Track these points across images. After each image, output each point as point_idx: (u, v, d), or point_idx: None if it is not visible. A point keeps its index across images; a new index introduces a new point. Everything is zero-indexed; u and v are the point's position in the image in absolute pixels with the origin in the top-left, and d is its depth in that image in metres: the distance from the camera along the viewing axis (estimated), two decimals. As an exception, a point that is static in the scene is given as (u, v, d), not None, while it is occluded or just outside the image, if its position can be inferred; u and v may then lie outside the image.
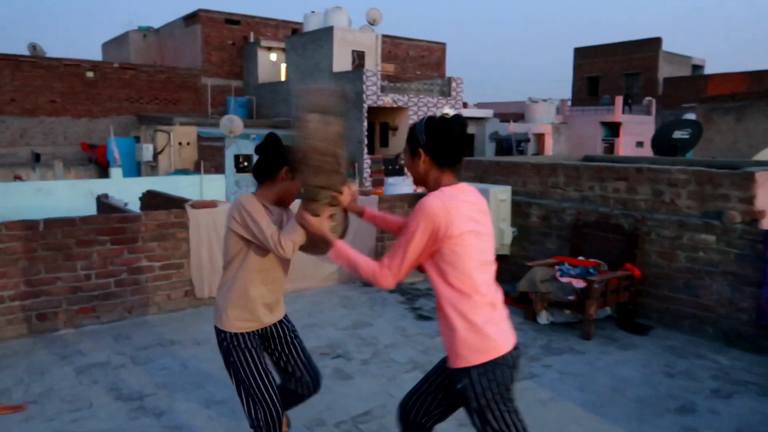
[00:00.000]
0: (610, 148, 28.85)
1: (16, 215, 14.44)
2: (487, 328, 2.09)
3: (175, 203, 9.34)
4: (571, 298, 4.98)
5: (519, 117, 29.89)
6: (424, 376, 2.43)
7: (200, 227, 5.53)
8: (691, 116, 26.97)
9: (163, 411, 3.62)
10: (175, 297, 5.51)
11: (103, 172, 20.62)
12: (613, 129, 29.17)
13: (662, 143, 8.98)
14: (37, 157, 19.88)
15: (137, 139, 20.87)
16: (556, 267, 5.39)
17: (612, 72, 38.48)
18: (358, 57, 22.73)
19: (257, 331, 2.65)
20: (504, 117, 29.90)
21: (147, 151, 19.00)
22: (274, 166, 2.55)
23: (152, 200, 10.59)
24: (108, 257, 5.10)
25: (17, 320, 4.75)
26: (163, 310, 5.44)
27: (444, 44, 33.96)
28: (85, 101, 22.15)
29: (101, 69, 22.70)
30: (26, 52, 23.08)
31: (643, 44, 37.21)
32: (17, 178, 17.62)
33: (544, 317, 5.25)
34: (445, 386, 2.28)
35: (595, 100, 36.73)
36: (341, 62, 22.05)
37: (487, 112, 28.94)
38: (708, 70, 40.11)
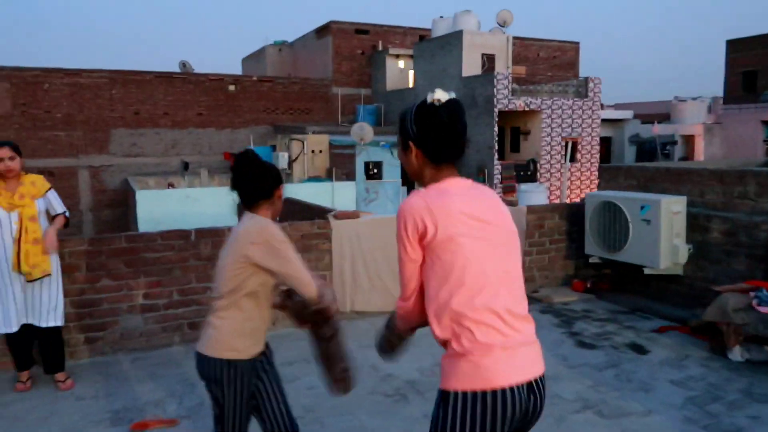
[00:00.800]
0: (773, 150, 25.62)
1: (169, 220, 15.58)
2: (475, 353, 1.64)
3: (313, 211, 9.42)
4: (776, 332, 4.13)
5: (663, 117, 27.51)
6: None
7: (342, 239, 5.34)
8: None
9: (313, 439, 3.39)
10: (317, 310, 5.35)
11: (243, 179, 21.74)
12: (776, 129, 25.86)
13: None
14: (186, 166, 21.43)
15: (273, 148, 21.81)
16: (752, 294, 4.53)
17: (773, 65, 34.28)
18: (488, 60, 22.08)
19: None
20: (646, 118, 27.65)
21: (282, 159, 19.75)
22: (270, 183, 2.41)
23: (290, 207, 10.82)
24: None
25: (170, 328, 4.82)
26: (306, 323, 5.30)
27: (577, 43, 32.21)
28: (227, 113, 23.58)
29: (241, 82, 24.06)
30: (177, 69, 25.08)
31: (814, 32, 32.71)
32: (170, 185, 19.08)
33: (737, 353, 4.41)
34: None
35: (752, 96, 32.90)
36: (470, 66, 21.54)
37: (626, 114, 26.94)
38: None
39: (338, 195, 17.35)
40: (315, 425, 3.55)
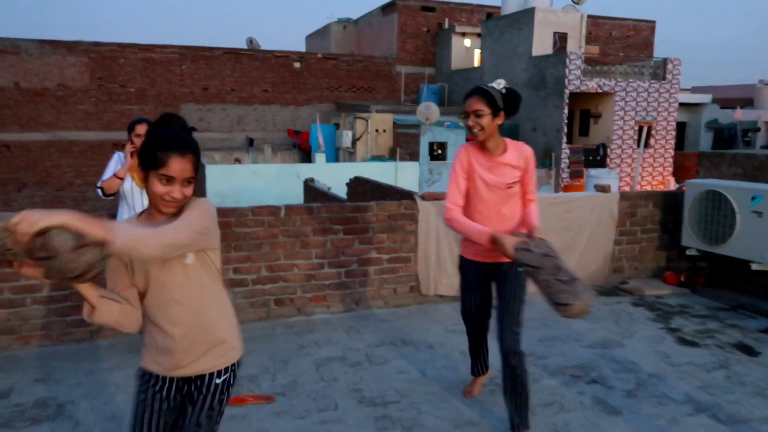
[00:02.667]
0: None
1: (236, 195, 15.85)
2: None
3: (383, 190, 9.32)
4: None
5: (746, 102, 25.93)
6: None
7: (429, 220, 5.20)
8: None
9: (411, 425, 3.30)
10: (401, 292, 5.27)
11: (305, 156, 21.96)
12: None
13: None
14: (251, 142, 21.77)
15: (336, 126, 21.83)
16: None
17: None
18: (560, 39, 21.28)
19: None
20: (726, 103, 26.13)
21: (346, 138, 19.76)
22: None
23: (359, 187, 10.75)
24: (340, 247, 5.00)
25: (258, 304, 4.84)
26: (389, 304, 5.23)
27: (653, 22, 30.65)
28: (291, 90, 23.74)
29: (306, 60, 24.14)
30: (244, 46, 25.38)
31: None
32: (237, 161, 19.42)
33: None
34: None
35: None
36: (541, 45, 20.82)
37: (704, 97, 25.51)
38: None
39: (402, 175, 17.24)
40: (411, 411, 3.46)
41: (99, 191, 4.01)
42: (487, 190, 3.05)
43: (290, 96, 23.84)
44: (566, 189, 19.24)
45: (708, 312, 5.31)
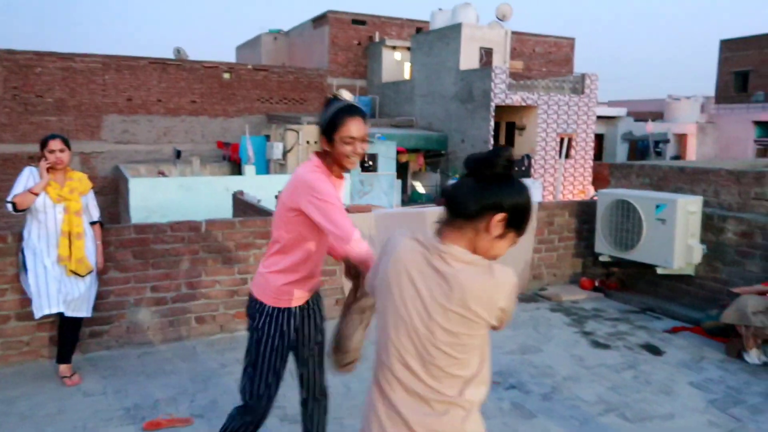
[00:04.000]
0: (763, 150, 25.77)
1: (162, 209, 15.31)
2: None
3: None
4: (797, 336, 4.09)
5: (657, 116, 27.59)
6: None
7: (354, 233, 5.23)
8: None
9: (334, 440, 3.29)
10: (327, 305, 5.23)
11: (236, 169, 21.54)
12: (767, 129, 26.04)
13: None
14: (178, 154, 21.14)
15: (267, 138, 21.57)
16: (769, 296, 4.49)
17: (765, 66, 34.51)
18: (486, 54, 21.98)
19: None
20: (639, 116, 27.73)
21: (277, 150, 19.55)
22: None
23: (289, 199, 10.68)
24: (264, 261, 4.93)
25: (178, 322, 4.70)
26: (315, 318, 5.20)
27: (573, 39, 32.21)
28: (221, 101, 23.28)
29: (236, 71, 23.76)
30: (171, 56, 24.70)
31: (806, 34, 32.99)
32: (161, 173, 18.81)
33: (755, 356, 4.38)
34: None
35: (743, 97, 33.14)
36: (469, 60, 21.42)
37: (619, 111, 26.97)
38: None
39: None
40: (335, 425, 3.45)
41: (9, 206, 3.80)
42: None
43: (219, 107, 23.38)
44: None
45: (619, 315, 5.60)
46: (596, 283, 6.32)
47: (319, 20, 26.64)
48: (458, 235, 1.47)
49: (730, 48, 36.43)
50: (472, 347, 1.49)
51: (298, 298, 2.46)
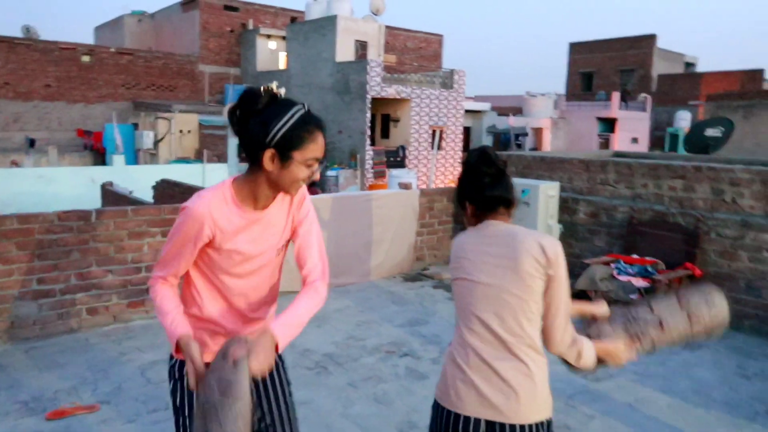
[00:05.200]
0: (605, 143, 28.99)
1: (18, 203, 14.09)
2: None
3: (195, 192, 9.14)
4: (633, 297, 4.92)
5: (517, 111, 29.89)
6: None
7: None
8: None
9: (245, 412, 3.48)
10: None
11: (100, 159, 20.19)
12: (608, 125, 29.30)
13: (695, 141, 8.97)
14: (31, 143, 19.39)
15: (135, 126, 20.44)
16: (612, 265, 5.33)
17: (606, 67, 38.64)
18: (361, 47, 22.48)
19: None
20: (502, 110, 29.87)
21: (147, 139, 18.63)
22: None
23: (168, 190, 10.35)
24: (158, 249, 4.92)
25: (68, 315, 4.56)
26: (211, 304, 5.27)
27: (441, 36, 33.81)
28: (80, 86, 21.63)
29: (97, 54, 22.18)
30: (20, 35, 22.46)
31: (638, 41, 37.41)
32: (14, 163, 17.18)
33: (602, 316, 5.18)
34: None
35: (589, 95, 36.88)
36: (344, 52, 21.78)
37: (484, 105, 28.88)
38: (700, 68, 40.49)
39: (210, 177, 16.79)
40: (244, 400, 3.63)
41: None
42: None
43: (79, 93, 21.71)
44: (371, 188, 20.42)
45: (493, 289, 6.26)
46: (471, 262, 6.97)
47: (189, 4, 25.57)
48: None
49: (577, 50, 40.30)
50: None
51: None
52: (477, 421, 1.75)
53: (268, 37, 25.62)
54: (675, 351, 4.61)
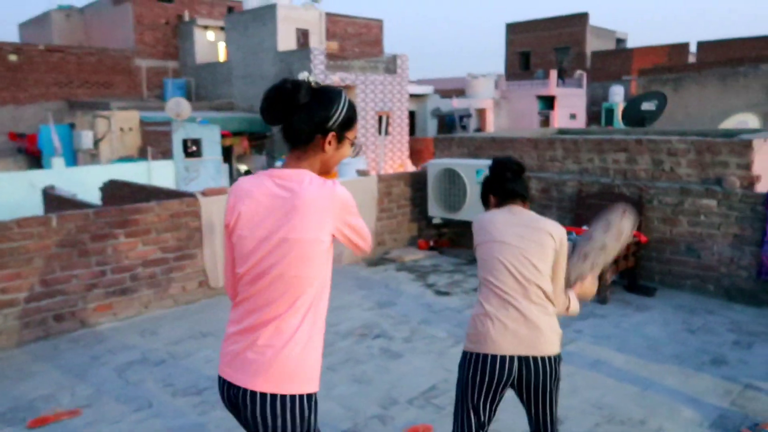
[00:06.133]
0: (545, 121, 29.84)
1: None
2: None
3: (147, 192, 8.97)
4: (587, 265, 5.22)
5: (459, 93, 30.33)
6: None
7: (212, 215, 5.37)
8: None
9: (230, 403, 3.56)
10: (190, 288, 5.35)
11: (35, 162, 19.34)
12: (548, 103, 30.15)
13: (632, 115, 9.46)
14: (-41, 149, 18.36)
15: (72, 126, 19.65)
16: (565, 237, 5.63)
17: (542, 46, 39.62)
18: (303, 35, 22.29)
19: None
20: (444, 93, 30.24)
21: (86, 139, 17.95)
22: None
23: (117, 191, 10.09)
24: (123, 251, 4.88)
25: (34, 323, 4.49)
26: (179, 302, 5.28)
27: (381, 21, 33.79)
28: (9, 87, 20.59)
29: (25, 52, 21.13)
30: (-64, 35, 21.13)
31: (571, 19, 38.50)
32: (-57, 172, 16.25)
33: (559, 286, 5.49)
34: None
35: (527, 74, 37.77)
36: (285, 41, 21.55)
37: (427, 89, 29.16)
38: (630, 44, 42.09)
39: (156, 175, 16.41)
40: (227, 392, 3.71)
41: None
42: None
43: (7, 94, 20.66)
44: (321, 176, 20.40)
45: (453, 268, 6.50)
46: (431, 243, 7.18)
47: (119, -4, 24.64)
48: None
49: (514, 30, 41.12)
50: None
51: None
52: (512, 358, 2.15)
53: (206, 28, 25.02)
54: (627, 314, 4.96)
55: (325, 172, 1.77)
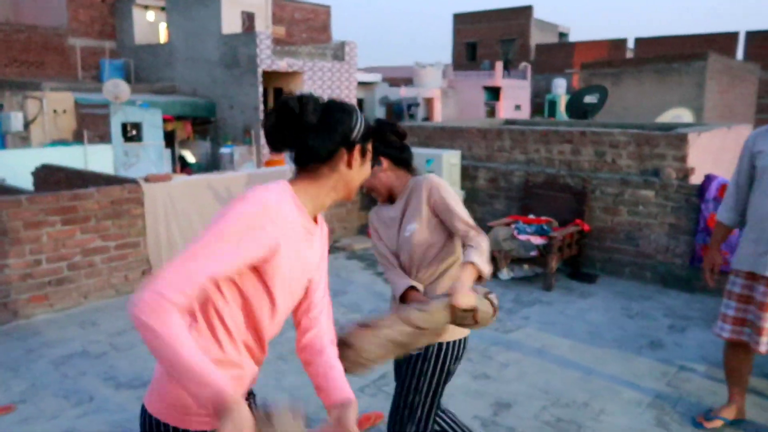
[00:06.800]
0: (491, 111, 30.35)
1: None
2: None
3: (84, 177, 8.57)
4: (533, 253, 5.36)
5: (408, 82, 30.41)
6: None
7: (156, 202, 5.19)
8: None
9: (177, 395, 3.46)
10: (133, 278, 5.16)
11: (-42, 144, 18.17)
12: (493, 93, 30.66)
13: (575, 107, 9.73)
14: None
15: (0, 107, 18.55)
16: (512, 226, 5.75)
17: (489, 38, 40.21)
18: (248, 19, 21.75)
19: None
20: (393, 81, 30.25)
21: (16, 121, 16.97)
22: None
23: (51, 176, 9.60)
24: (59, 239, 4.65)
25: (-39, 315, 4.22)
26: (121, 292, 5.08)
27: (329, 7, 33.39)
28: (-73, 63, 19.20)
29: (-55, 26, 19.73)
30: None
31: (516, 12, 39.20)
32: None
33: (506, 273, 5.61)
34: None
35: (473, 65, 38.29)
36: (230, 24, 20.96)
37: (375, 77, 29.08)
38: (572, 38, 43.29)
39: (92, 160, 15.71)
40: (173, 384, 3.61)
41: None
42: None
43: (-74, 71, 19.27)
44: (268, 164, 20.06)
45: (403, 256, 6.53)
46: (380, 232, 7.18)
47: (51, -29, 23.30)
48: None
49: (461, 21, 41.52)
50: None
51: None
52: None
53: (146, 8, 24.03)
54: (571, 300, 5.12)
55: (348, 195, 1.55)
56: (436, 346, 2.13)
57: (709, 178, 5.08)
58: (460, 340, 2.20)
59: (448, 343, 2.16)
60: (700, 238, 5.14)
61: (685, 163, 5.33)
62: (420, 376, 2.16)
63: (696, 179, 5.34)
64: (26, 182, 10.10)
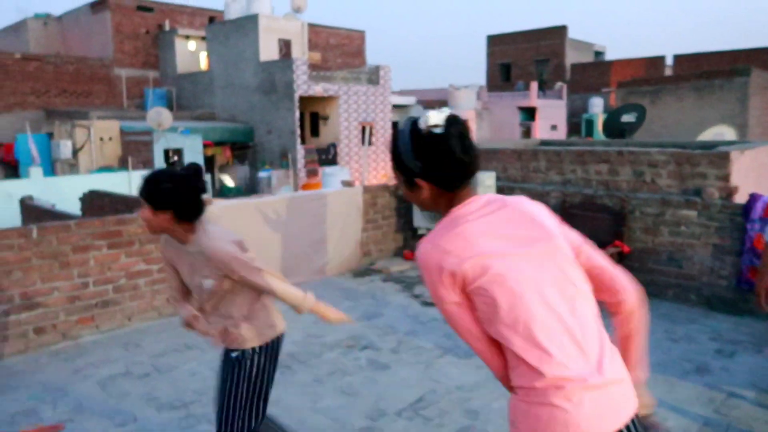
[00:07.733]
0: (527, 132, 30.18)
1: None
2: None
3: (128, 203, 8.86)
4: (571, 275, 5.27)
5: (442, 104, 30.54)
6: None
7: (197, 226, 5.32)
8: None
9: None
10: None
11: (12, 172, 19.02)
12: (529, 113, 30.50)
13: (612, 127, 9.61)
14: (-67, 159, 17.99)
15: (50, 136, 19.38)
16: (550, 247, 5.68)
17: (523, 58, 40.14)
18: (285, 45, 22.29)
19: None
20: (427, 104, 30.43)
21: (65, 148, 17.70)
22: None
23: (97, 201, 9.96)
24: (105, 263, 4.81)
25: (14, 336, 4.39)
26: (163, 314, 5.21)
27: (363, 32, 33.97)
28: (-16, 95, 20.27)
29: (1, 60, 20.82)
30: None
31: (551, 32, 39.08)
32: None
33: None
34: None
35: (508, 86, 38.21)
36: (268, 51, 21.53)
37: (410, 99, 29.31)
38: (608, 56, 42.86)
39: (136, 185, 16.22)
40: (212, 406, 3.66)
41: None
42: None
43: (-17, 102, 20.33)
44: (305, 187, 20.36)
45: (439, 278, 6.51)
46: (416, 254, 7.19)
47: (99, 5, 24.42)
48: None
49: (494, 43, 41.61)
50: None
51: None
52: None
53: (187, 37, 24.90)
54: (612, 324, 5.00)
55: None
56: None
57: (754, 197, 4.94)
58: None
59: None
60: (746, 259, 4.99)
61: (728, 182, 5.20)
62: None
63: (740, 198, 5.20)
64: (74, 207, 10.50)
